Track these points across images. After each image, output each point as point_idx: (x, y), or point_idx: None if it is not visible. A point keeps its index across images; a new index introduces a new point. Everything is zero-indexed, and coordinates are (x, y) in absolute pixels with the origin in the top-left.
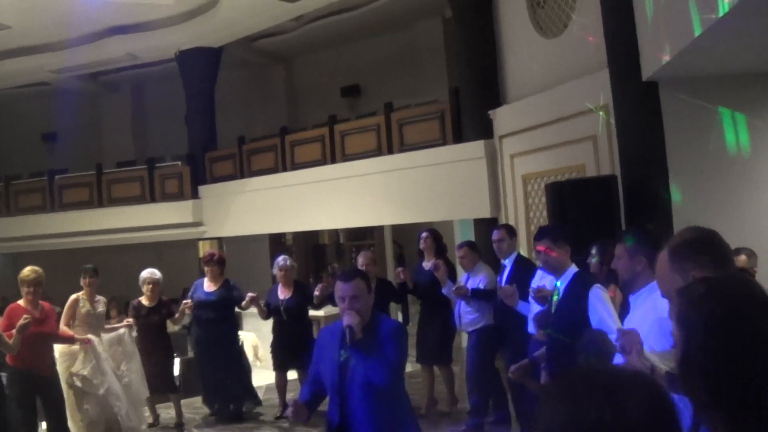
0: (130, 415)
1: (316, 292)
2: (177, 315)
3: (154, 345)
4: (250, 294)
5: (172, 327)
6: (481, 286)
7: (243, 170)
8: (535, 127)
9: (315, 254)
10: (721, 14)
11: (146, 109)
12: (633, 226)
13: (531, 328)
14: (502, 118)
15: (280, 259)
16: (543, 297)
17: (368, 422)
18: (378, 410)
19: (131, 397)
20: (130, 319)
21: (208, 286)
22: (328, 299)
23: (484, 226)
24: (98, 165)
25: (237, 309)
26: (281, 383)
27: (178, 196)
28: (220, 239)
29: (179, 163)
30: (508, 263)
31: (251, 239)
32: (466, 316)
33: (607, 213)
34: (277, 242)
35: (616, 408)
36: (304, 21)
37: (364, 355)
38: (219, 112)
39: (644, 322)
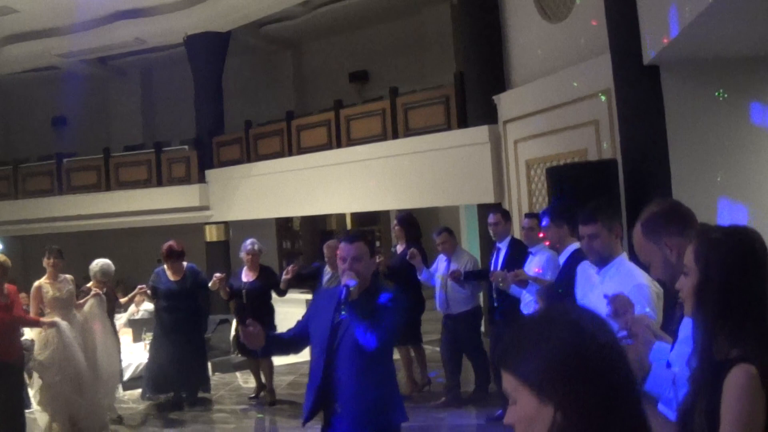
0: (93, 410)
1: (286, 275)
2: (124, 299)
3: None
4: (217, 275)
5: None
6: (469, 267)
7: (249, 154)
8: (539, 112)
9: (322, 240)
10: (698, 10)
11: (154, 94)
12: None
13: (524, 308)
14: (507, 103)
15: (248, 243)
16: (522, 281)
17: (352, 384)
18: (363, 374)
19: (105, 374)
20: (98, 290)
21: (171, 274)
22: (297, 281)
23: (488, 211)
24: (106, 149)
25: (203, 292)
26: (253, 365)
27: (185, 180)
28: (226, 223)
29: (186, 147)
30: (503, 246)
31: (258, 224)
32: (456, 298)
33: (607, 197)
34: (284, 227)
35: (602, 327)
36: (311, 6)
37: (358, 316)
38: (226, 97)
39: (622, 289)
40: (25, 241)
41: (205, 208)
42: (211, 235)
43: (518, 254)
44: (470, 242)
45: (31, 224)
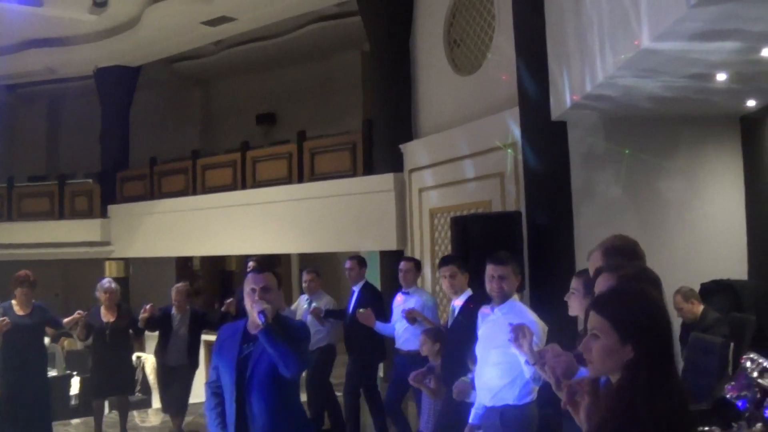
0: None
1: (143, 313)
2: None
3: None
4: (79, 312)
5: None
6: (330, 307)
7: (153, 191)
8: (445, 162)
9: (222, 280)
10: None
11: (61, 125)
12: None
13: (400, 344)
14: (413, 152)
15: (105, 281)
16: (414, 318)
17: (265, 417)
18: (276, 406)
19: None
20: None
21: (18, 309)
22: (148, 325)
23: (391, 258)
24: (9, 178)
25: (54, 329)
26: (100, 411)
27: (88, 214)
28: (126, 260)
29: (90, 180)
30: (356, 289)
31: (158, 262)
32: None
33: (511, 248)
34: (184, 266)
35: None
36: (223, 46)
37: (276, 340)
38: (133, 132)
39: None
40: None
41: (107, 243)
42: (111, 271)
43: (369, 296)
44: None
45: None
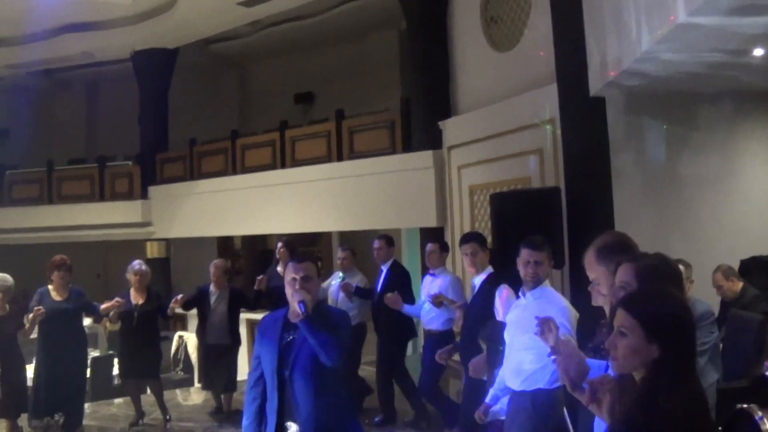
0: None
1: (174, 303)
2: (28, 326)
3: (4, 358)
4: (117, 299)
5: None
6: (360, 285)
7: (193, 172)
8: (483, 139)
9: (263, 259)
10: (645, 47)
11: (99, 108)
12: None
13: (428, 323)
14: (451, 129)
15: (136, 264)
16: (440, 302)
17: (309, 403)
18: (319, 391)
19: None
20: None
21: (56, 294)
22: (184, 306)
23: (431, 234)
24: (49, 162)
25: (91, 315)
26: (135, 391)
27: (128, 196)
28: (167, 240)
29: (130, 162)
30: (384, 268)
31: (199, 242)
32: None
33: (550, 224)
34: (225, 246)
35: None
36: (259, 26)
37: (316, 329)
38: (171, 114)
39: (549, 309)
40: None
41: (147, 224)
42: (152, 251)
43: (397, 276)
44: (410, 265)
45: None
